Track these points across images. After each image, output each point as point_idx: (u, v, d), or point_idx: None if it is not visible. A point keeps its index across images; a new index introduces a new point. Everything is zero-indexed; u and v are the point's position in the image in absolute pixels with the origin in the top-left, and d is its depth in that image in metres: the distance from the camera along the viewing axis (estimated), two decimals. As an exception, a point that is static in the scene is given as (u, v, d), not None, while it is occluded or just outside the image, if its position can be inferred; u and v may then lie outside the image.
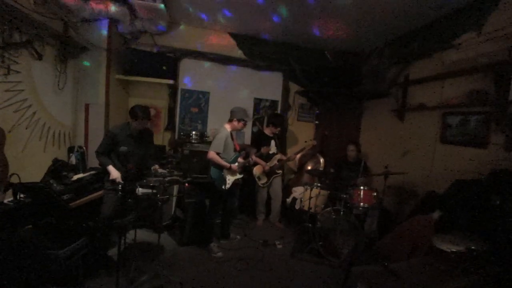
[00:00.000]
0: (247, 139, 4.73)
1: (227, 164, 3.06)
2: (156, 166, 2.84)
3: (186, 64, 4.45)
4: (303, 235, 3.39)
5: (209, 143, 3.33)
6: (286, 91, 4.89)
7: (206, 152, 3.10)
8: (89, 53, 3.46)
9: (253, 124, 4.84)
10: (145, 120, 2.70)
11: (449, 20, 3.18)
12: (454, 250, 1.83)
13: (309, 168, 4.54)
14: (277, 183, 4.02)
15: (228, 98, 4.59)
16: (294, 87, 4.90)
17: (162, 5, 3.40)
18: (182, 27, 4.32)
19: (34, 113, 2.80)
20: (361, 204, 3.09)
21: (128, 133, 2.69)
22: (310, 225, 3.26)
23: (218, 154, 3.04)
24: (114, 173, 2.56)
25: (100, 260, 2.49)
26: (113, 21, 3.57)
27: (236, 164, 3.16)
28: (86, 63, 3.50)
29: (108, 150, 2.65)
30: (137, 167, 2.73)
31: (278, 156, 3.97)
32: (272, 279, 2.69)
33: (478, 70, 2.81)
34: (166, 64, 4.05)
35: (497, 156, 2.60)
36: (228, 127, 3.18)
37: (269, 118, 4.35)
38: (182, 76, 4.46)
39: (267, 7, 3.43)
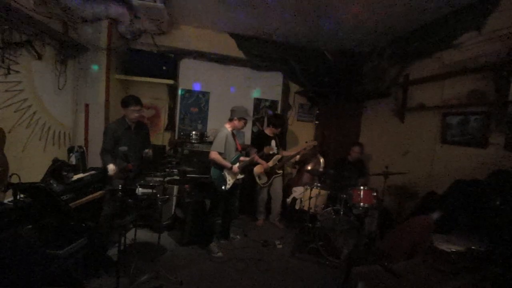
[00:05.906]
0: (247, 139, 4.73)
1: (229, 164, 3.05)
2: (147, 150, 2.89)
3: (186, 64, 4.45)
4: (303, 235, 3.39)
5: (209, 143, 3.32)
6: (286, 91, 4.89)
7: (206, 152, 3.10)
8: (89, 53, 3.46)
9: (253, 124, 4.84)
10: (137, 107, 2.70)
11: (449, 20, 3.17)
12: (454, 250, 1.84)
13: (309, 168, 4.53)
14: (277, 183, 4.02)
15: (228, 98, 4.59)
16: (294, 87, 4.90)
17: (162, 5, 3.40)
18: (182, 27, 4.32)
19: (34, 113, 2.80)
20: (361, 204, 3.09)
21: (126, 127, 2.72)
22: (310, 225, 3.26)
23: (220, 154, 3.03)
24: (111, 170, 2.61)
25: (100, 260, 2.48)
26: (113, 21, 3.57)
27: (238, 164, 3.15)
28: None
29: (112, 146, 2.68)
30: (137, 162, 2.75)
31: (279, 156, 3.97)
32: (272, 279, 2.69)
33: (478, 70, 2.81)
34: (166, 64, 4.06)
35: (497, 156, 2.60)
36: (228, 126, 3.17)
37: (269, 119, 4.35)
38: (182, 76, 4.47)
39: (267, 7, 3.43)
